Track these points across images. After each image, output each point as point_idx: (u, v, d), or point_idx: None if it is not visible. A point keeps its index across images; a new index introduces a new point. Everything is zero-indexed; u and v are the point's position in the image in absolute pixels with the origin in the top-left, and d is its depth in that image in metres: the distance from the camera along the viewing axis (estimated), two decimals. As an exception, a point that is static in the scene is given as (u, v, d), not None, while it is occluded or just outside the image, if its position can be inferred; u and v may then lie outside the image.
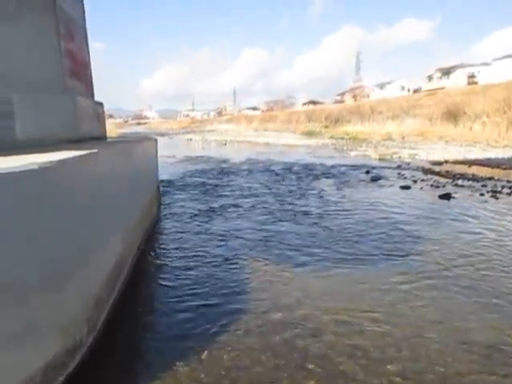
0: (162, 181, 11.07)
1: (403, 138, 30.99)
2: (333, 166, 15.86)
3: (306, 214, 7.56)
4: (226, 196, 9.63)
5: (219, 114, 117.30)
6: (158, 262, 5.27)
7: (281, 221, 7.08)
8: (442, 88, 45.43)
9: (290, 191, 10.22)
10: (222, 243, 5.87)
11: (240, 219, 7.24)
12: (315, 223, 6.88)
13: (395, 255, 5.28)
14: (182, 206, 8.48)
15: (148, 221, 6.52)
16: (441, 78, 52.16)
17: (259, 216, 7.47)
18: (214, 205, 8.51)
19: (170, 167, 15.98)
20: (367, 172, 13.86)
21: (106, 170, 3.94)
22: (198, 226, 6.89)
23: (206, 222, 7.07)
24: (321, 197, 9.38)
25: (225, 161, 18.78)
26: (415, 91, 55.63)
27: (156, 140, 9.13)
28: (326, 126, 47.33)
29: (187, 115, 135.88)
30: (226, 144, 34.77)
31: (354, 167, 15.38)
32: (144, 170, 6.81)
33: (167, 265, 5.09)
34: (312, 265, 4.94)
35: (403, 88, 61.13)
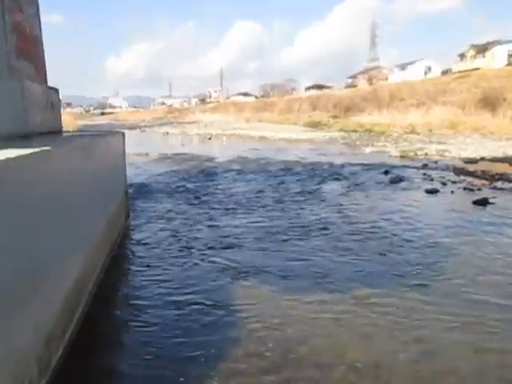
0: (131, 185, 11.05)
1: (430, 130, 31.31)
2: (343, 166, 15.97)
3: (308, 228, 7.55)
4: (209, 203, 9.70)
5: (202, 101, 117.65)
6: (127, 285, 5.27)
7: (276, 235, 7.12)
8: (477, 69, 46.01)
9: (290, 198, 10.31)
10: (205, 263, 5.88)
11: (226, 233, 7.28)
12: (320, 239, 6.88)
13: (416, 279, 5.27)
14: (156, 216, 8.52)
15: (114, 234, 6.52)
16: (475, 56, 52.88)
17: (249, 228, 7.54)
18: (196, 215, 8.58)
19: (142, 168, 16.00)
20: (386, 173, 14.00)
21: (60, 172, 3.94)
22: (175, 239, 6.94)
23: (185, 236, 7.12)
24: (328, 205, 9.46)
25: (209, 160, 18.85)
26: (444, 73, 56.35)
27: (124, 134, 9.12)
28: (335, 116, 47.65)
29: (163, 103, 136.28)
30: (210, 139, 34.93)
31: (370, 167, 15.50)
32: (109, 171, 6.80)
33: (137, 288, 5.09)
34: (318, 295, 4.82)
35: (429, 69, 61.91)
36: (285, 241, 6.82)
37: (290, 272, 5.52)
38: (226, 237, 7.03)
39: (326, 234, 7.13)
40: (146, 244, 6.70)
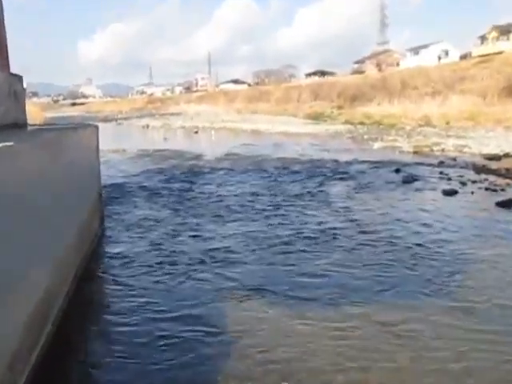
0: (106, 186, 11.02)
1: (447, 122, 31.43)
2: (349, 163, 16.00)
3: (312, 237, 7.44)
4: (196, 208, 9.68)
5: (188, 89, 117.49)
6: (100, 302, 5.23)
7: (275, 248, 6.99)
8: (500, 53, 46.24)
9: (289, 201, 10.29)
10: (192, 282, 5.73)
11: (216, 245, 7.18)
12: (328, 252, 6.76)
13: (448, 300, 5.14)
14: (135, 223, 8.49)
15: (87, 242, 6.48)
16: (498, 38, 53.17)
17: (243, 239, 7.46)
18: (180, 222, 8.52)
19: (118, 167, 15.96)
20: (397, 171, 14.02)
21: (24, 172, 3.90)
22: (157, 252, 6.83)
23: (168, 248, 7.02)
24: (334, 209, 9.44)
25: (196, 157, 18.83)
26: (463, 57, 56.59)
27: (97, 128, 9.09)
28: (340, 107, 47.77)
29: (143, 92, 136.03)
30: (197, 132, 34.89)
31: (379, 164, 15.54)
32: (80, 171, 6.76)
33: (112, 306, 5.06)
34: (332, 320, 4.66)
35: (446, 53, 62.21)
36: (286, 254, 6.64)
37: (295, 292, 5.28)
38: (216, 250, 6.88)
39: (335, 245, 7.03)
40: (123, 257, 6.58)
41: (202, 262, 6.41)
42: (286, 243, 7.19)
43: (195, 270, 6.12)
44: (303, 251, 6.80)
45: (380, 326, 4.51)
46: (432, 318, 4.66)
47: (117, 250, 6.93)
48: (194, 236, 7.67)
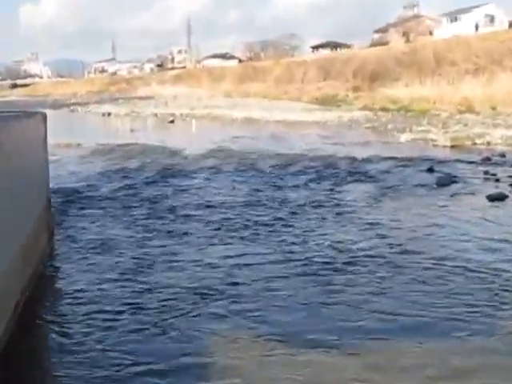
0: (56, 191, 10.98)
1: (493, 108, 31.45)
2: (369, 161, 16.05)
3: (330, 263, 7.23)
4: (174, 223, 9.55)
5: (161, 67, 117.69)
6: (48, 339, 5.19)
7: (284, 281, 6.65)
8: (561, 19, 46.42)
9: (294, 212, 10.22)
10: (178, 345, 5.16)
11: (198, 270, 7.02)
12: (353, 281, 6.61)
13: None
14: (94, 244, 8.35)
15: (31, 263, 6.44)
16: (557, 1, 53.42)
17: (239, 270, 7.14)
18: (154, 244, 8.31)
19: (72, 166, 15.96)
20: (430, 170, 14.09)
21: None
22: (120, 279, 6.69)
23: (134, 275, 6.86)
24: (351, 222, 9.38)
25: (172, 154, 18.87)
26: (513, 25, 56.80)
27: (45, 116, 9.07)
28: (356, 88, 47.78)
29: (103, 70, 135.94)
30: (173, 122, 34.99)
31: (407, 162, 15.59)
32: (23, 171, 6.73)
33: (63, 344, 5.03)
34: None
35: (492, 19, 62.46)
36: (302, 288, 6.36)
37: (331, 342, 5.04)
38: (204, 284, 6.50)
39: (367, 273, 6.82)
40: (77, 290, 6.41)
41: (185, 301, 6.00)
42: (299, 273, 6.91)
43: (177, 322, 5.55)
44: (326, 283, 6.52)
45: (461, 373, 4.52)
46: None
47: (69, 278, 6.85)
48: (173, 263, 7.39)
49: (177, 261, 7.54)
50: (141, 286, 6.56)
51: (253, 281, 6.62)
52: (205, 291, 6.27)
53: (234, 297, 6.14)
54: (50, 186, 9.45)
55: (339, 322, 5.46)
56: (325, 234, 8.69)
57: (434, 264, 7.08)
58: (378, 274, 6.78)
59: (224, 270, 7.07)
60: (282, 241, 8.40)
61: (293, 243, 8.24)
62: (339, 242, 8.23)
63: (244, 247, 8.17)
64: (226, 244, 8.34)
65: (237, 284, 6.55)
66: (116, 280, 6.78)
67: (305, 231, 8.85)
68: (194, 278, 6.79)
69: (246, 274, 6.91)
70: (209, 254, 7.85)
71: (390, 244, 8.04)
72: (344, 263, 7.21)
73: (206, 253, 7.89)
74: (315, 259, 7.43)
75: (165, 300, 6.06)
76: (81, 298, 6.19)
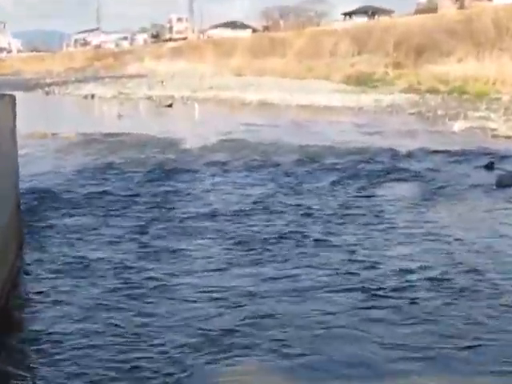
0: (26, 192, 11.01)
1: None
2: (413, 155, 16.05)
3: (374, 289, 6.97)
4: (173, 234, 9.45)
5: (157, 38, 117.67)
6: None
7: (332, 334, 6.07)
8: None
9: (322, 219, 10.16)
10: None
11: (207, 305, 6.57)
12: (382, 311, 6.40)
13: None
14: (73, 255, 8.38)
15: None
16: None
17: (257, 297, 6.90)
18: (145, 259, 8.17)
19: (47, 161, 16.00)
20: (489, 167, 14.10)
21: None
22: (104, 313, 6.41)
23: (125, 307, 6.56)
24: (394, 232, 9.30)
25: (170, 146, 18.90)
26: None
27: (13, 99, 9.08)
28: (398, 65, 47.54)
29: (85, 43, 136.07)
30: (171, 106, 35.13)
31: (461, 156, 15.57)
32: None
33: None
34: None
35: None
36: (355, 324, 6.09)
37: None
38: (219, 328, 6.02)
39: (432, 301, 6.57)
40: (53, 294, 6.43)
41: (196, 352, 5.60)
42: (346, 303, 6.60)
43: (157, 329, 5.62)
44: (383, 318, 6.24)
45: None
46: None
47: (43, 291, 6.87)
48: (171, 295, 6.98)
49: (176, 292, 7.06)
50: (131, 330, 6.08)
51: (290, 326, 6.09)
52: (217, 335, 5.84)
53: (257, 339, 5.77)
54: (20, 186, 9.42)
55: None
56: (367, 252, 8.49)
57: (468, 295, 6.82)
58: (446, 301, 6.63)
59: (245, 305, 6.58)
60: (317, 262, 8.04)
61: (329, 265, 7.91)
62: (388, 261, 8.05)
63: (268, 269, 7.79)
64: (241, 263, 8.01)
65: (260, 327, 6.04)
66: (100, 310, 6.51)
67: (342, 248, 8.59)
68: (200, 316, 6.34)
69: (278, 310, 6.43)
70: (220, 278, 7.50)
71: (451, 262, 7.91)
72: (400, 289, 7.00)
73: (217, 277, 7.52)
74: (362, 285, 7.15)
75: (162, 355, 5.57)
76: (56, 314, 6.24)
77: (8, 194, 7.98)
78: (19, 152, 9.46)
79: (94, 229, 9.86)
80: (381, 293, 6.86)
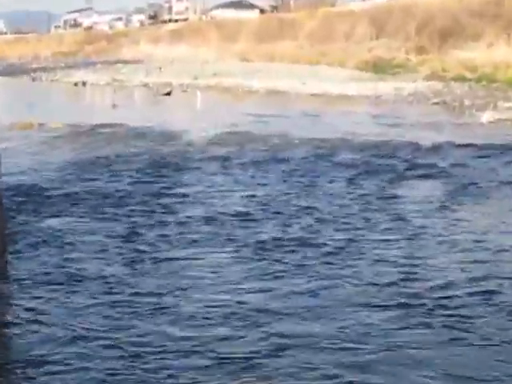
0: (9, 189, 10.89)
1: None
2: (438, 149, 16.06)
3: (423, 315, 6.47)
4: (167, 241, 9.14)
5: (155, 19, 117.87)
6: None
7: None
8: None
9: (334, 220, 10.10)
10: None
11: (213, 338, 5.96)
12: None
13: None
14: (55, 260, 8.31)
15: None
16: None
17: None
18: (133, 267, 8.00)
19: (32, 155, 16.04)
20: (522, 162, 14.07)
21: None
22: (92, 321, 6.23)
23: (111, 327, 6.13)
24: (422, 240, 9.11)
25: (169, 139, 18.94)
26: None
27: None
28: (421, 49, 47.48)
29: (75, 24, 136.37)
30: (169, 94, 35.32)
31: (490, 150, 15.56)
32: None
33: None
34: None
35: None
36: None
37: None
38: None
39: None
40: (40, 311, 6.33)
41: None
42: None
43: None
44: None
45: None
46: None
47: (28, 306, 6.71)
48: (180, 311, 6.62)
49: (180, 311, 6.62)
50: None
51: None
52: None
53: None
54: (1, 182, 9.36)
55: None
56: (398, 261, 8.20)
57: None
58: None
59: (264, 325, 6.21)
60: (341, 274, 7.74)
61: (356, 278, 7.58)
62: (424, 271, 7.79)
63: (282, 284, 7.40)
64: (252, 280, 7.55)
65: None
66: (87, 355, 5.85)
67: (367, 258, 8.32)
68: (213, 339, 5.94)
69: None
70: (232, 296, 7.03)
71: (499, 273, 7.64)
72: (447, 306, 6.65)
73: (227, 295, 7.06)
74: (400, 300, 6.83)
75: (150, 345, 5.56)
76: (44, 333, 5.99)
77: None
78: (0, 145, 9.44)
79: (82, 232, 9.73)
80: (423, 309, 6.55)
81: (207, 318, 6.31)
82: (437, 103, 27.54)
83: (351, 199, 11.53)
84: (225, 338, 5.85)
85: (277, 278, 7.59)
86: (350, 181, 12.90)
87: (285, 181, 13.15)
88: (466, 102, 26.23)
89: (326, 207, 11.01)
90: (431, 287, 7.13)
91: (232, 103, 30.18)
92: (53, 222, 10.23)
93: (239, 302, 6.72)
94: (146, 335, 5.89)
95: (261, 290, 7.12)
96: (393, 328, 6.06)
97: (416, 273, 7.67)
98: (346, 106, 27.47)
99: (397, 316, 6.35)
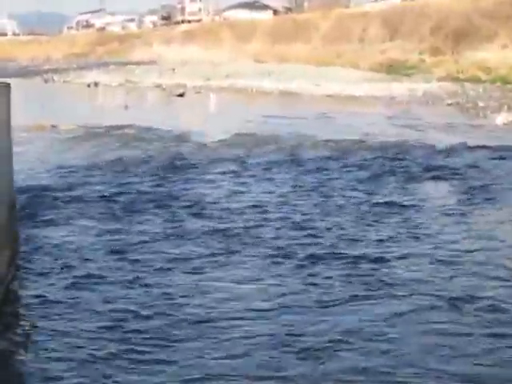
0: (22, 191, 10.93)
1: None
2: (452, 151, 16.00)
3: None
4: (181, 258, 8.55)
5: (167, 20, 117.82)
6: None
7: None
8: None
9: (351, 226, 9.96)
10: None
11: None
12: None
13: None
14: (71, 260, 8.33)
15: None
16: None
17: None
18: (146, 273, 7.72)
19: (45, 156, 16.00)
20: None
21: None
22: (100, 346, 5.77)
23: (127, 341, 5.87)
24: (440, 247, 8.83)
25: (181, 140, 18.94)
26: None
27: (8, 88, 9.08)
28: (435, 51, 47.33)
29: (88, 25, 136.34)
30: (182, 95, 35.29)
31: (506, 152, 15.47)
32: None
33: None
34: None
35: None
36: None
37: None
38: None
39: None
40: (50, 317, 6.32)
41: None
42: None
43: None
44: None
45: None
46: None
47: (38, 313, 6.73)
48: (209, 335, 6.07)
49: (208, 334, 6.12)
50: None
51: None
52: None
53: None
54: (15, 185, 9.40)
55: None
56: (423, 273, 7.90)
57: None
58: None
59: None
60: (368, 282, 7.51)
61: (387, 291, 7.24)
62: (451, 286, 7.43)
63: (308, 300, 7.01)
64: (285, 308, 6.80)
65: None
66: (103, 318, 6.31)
67: (389, 267, 8.05)
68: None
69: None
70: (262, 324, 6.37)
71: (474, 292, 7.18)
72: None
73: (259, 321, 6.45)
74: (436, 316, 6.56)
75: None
76: (57, 344, 5.87)
77: (1, 192, 7.95)
78: (15, 146, 9.45)
79: (96, 221, 9.98)
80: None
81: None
82: (450, 104, 27.47)
83: (367, 203, 11.40)
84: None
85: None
86: (365, 183, 12.86)
87: (299, 184, 12.98)
88: (481, 104, 26.13)
89: (341, 212, 10.91)
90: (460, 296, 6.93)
91: (245, 105, 30.14)
92: (63, 225, 10.31)
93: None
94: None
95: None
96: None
97: (440, 285, 7.71)
98: (361, 107, 27.45)
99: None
